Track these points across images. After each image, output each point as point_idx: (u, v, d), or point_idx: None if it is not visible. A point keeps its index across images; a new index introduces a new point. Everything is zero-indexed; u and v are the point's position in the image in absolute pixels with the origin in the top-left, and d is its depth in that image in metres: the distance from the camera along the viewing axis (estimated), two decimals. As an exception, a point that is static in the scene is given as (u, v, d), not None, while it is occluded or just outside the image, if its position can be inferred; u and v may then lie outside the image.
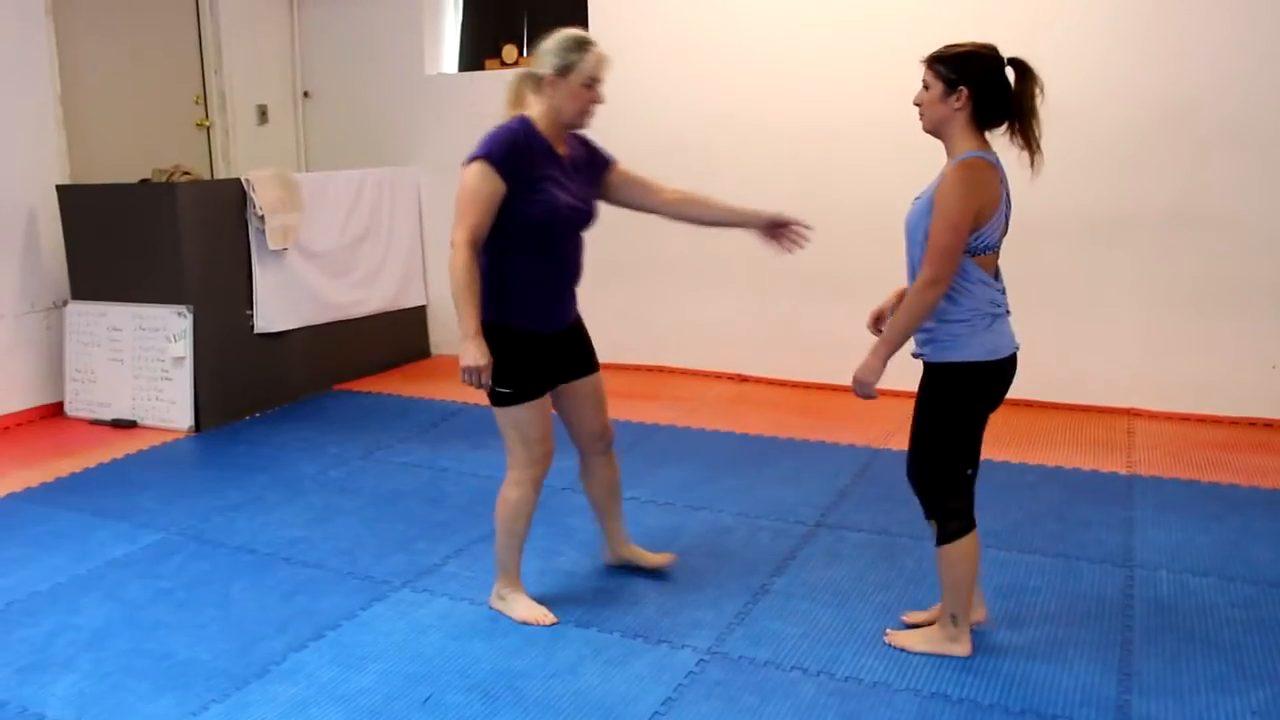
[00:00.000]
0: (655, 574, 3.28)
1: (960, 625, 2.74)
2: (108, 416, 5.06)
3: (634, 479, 3.97)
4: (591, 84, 2.81)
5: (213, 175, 6.16)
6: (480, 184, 2.72)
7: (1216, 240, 4.72)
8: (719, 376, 5.80)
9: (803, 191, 5.37)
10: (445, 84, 6.38)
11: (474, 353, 2.73)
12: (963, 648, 2.74)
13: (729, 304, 5.71)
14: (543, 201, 2.79)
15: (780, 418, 5.02)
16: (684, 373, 5.90)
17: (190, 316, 4.90)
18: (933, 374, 2.75)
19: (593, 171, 3.00)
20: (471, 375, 2.74)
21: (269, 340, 5.31)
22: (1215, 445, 4.48)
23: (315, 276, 5.61)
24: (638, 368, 5.99)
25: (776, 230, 3.05)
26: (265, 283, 5.27)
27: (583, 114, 2.86)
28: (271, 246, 5.21)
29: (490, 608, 3.07)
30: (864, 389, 2.72)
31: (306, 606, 3.14)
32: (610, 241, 6.07)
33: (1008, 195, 2.64)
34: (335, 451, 4.60)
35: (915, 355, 2.77)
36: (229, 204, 5.05)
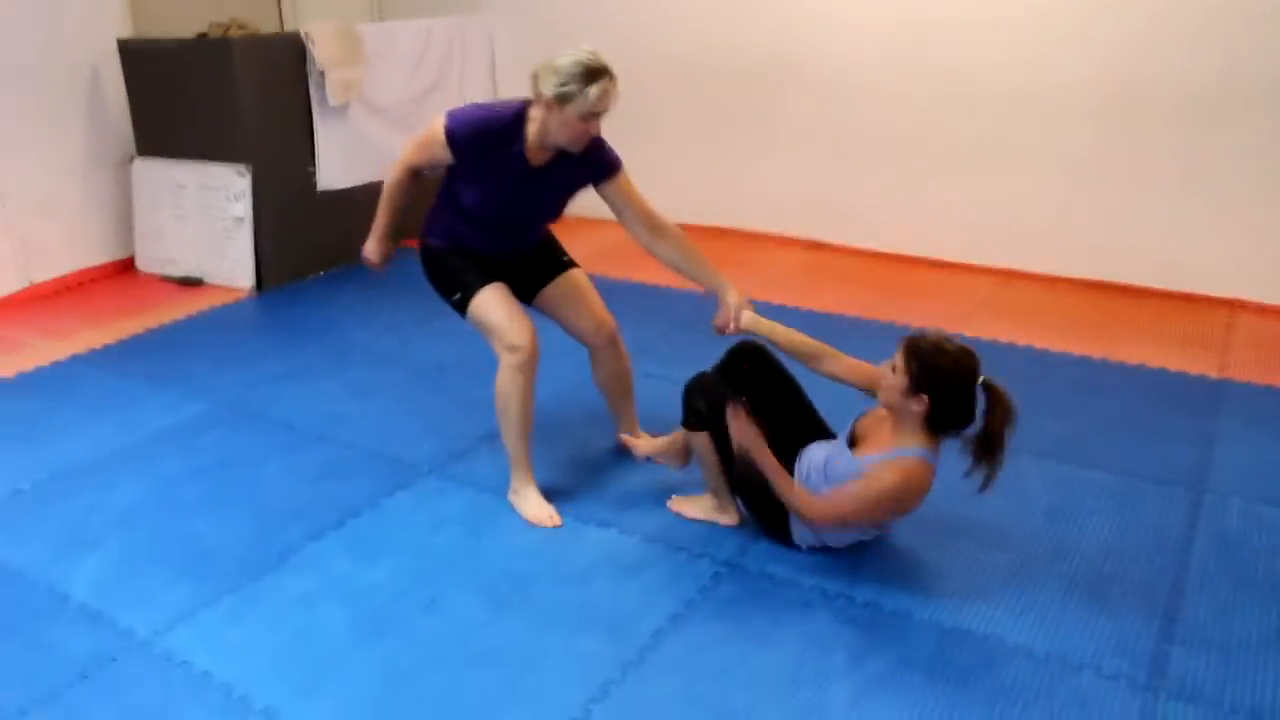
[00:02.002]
0: (690, 469, 3.16)
1: (722, 497, 2.87)
2: (175, 274, 5.11)
3: (682, 358, 3.82)
4: (589, 118, 2.62)
5: (281, 26, 5.98)
6: (432, 144, 2.75)
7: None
8: (795, 243, 5.52)
9: (894, 55, 4.94)
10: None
11: (370, 247, 3.07)
12: (729, 517, 2.89)
13: (808, 167, 5.37)
14: (475, 195, 2.79)
15: (853, 293, 4.75)
16: (759, 237, 5.63)
17: (249, 175, 4.83)
18: None
19: (582, 175, 2.82)
20: (367, 264, 3.10)
21: (333, 198, 5.23)
22: (1329, 344, 4.07)
23: (381, 131, 5.46)
24: (713, 230, 5.74)
25: (721, 310, 2.82)
26: (327, 139, 5.15)
27: (573, 143, 2.69)
28: (332, 102, 5.06)
29: (508, 501, 3.02)
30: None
31: (332, 491, 3.13)
32: (690, 98, 5.78)
33: None
34: (388, 318, 4.55)
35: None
36: (287, 59, 4.89)
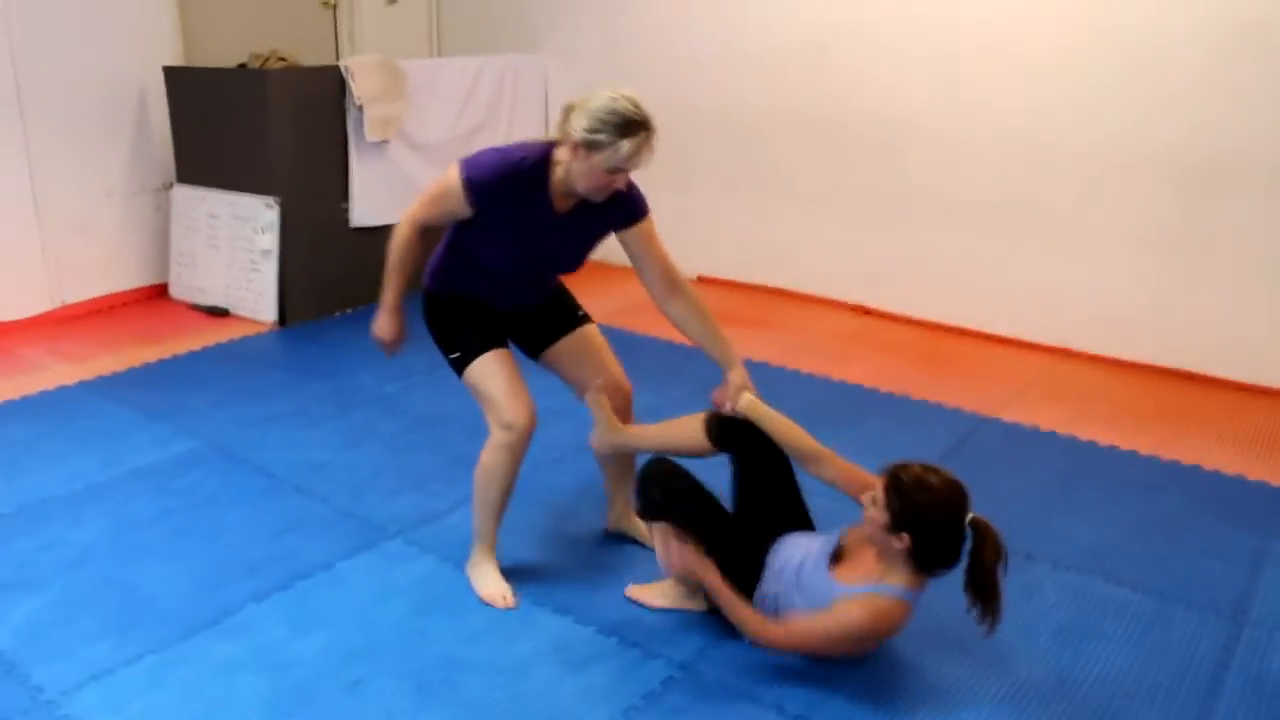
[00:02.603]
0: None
1: (689, 582, 2.62)
2: (204, 303, 5.08)
3: None
4: (616, 172, 2.37)
5: (337, 56, 5.98)
6: (447, 196, 2.50)
7: None
8: (841, 306, 5.24)
9: (952, 116, 4.66)
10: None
11: (381, 324, 2.74)
12: (698, 603, 2.64)
13: (858, 227, 5.09)
14: (493, 247, 2.58)
15: (891, 364, 4.45)
16: (803, 298, 5.36)
17: (277, 208, 4.78)
18: None
19: (608, 220, 2.57)
20: (379, 345, 2.76)
21: (365, 235, 5.15)
22: None
23: (420, 169, 5.37)
24: (755, 288, 5.49)
25: (722, 387, 2.63)
26: (363, 175, 5.08)
27: (594, 193, 2.44)
28: (370, 138, 4.99)
29: (467, 575, 2.82)
30: None
31: (291, 548, 2.97)
32: (740, 148, 5.58)
33: None
34: (400, 363, 4.37)
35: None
36: (325, 92, 4.84)
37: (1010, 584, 2.71)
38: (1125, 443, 3.67)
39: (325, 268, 5.00)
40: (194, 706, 2.32)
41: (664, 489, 2.50)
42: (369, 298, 5.12)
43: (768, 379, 4.31)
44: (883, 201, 4.96)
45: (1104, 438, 3.71)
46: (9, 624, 2.62)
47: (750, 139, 5.34)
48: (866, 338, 4.83)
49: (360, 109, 4.90)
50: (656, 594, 2.70)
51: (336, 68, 4.86)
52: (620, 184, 2.42)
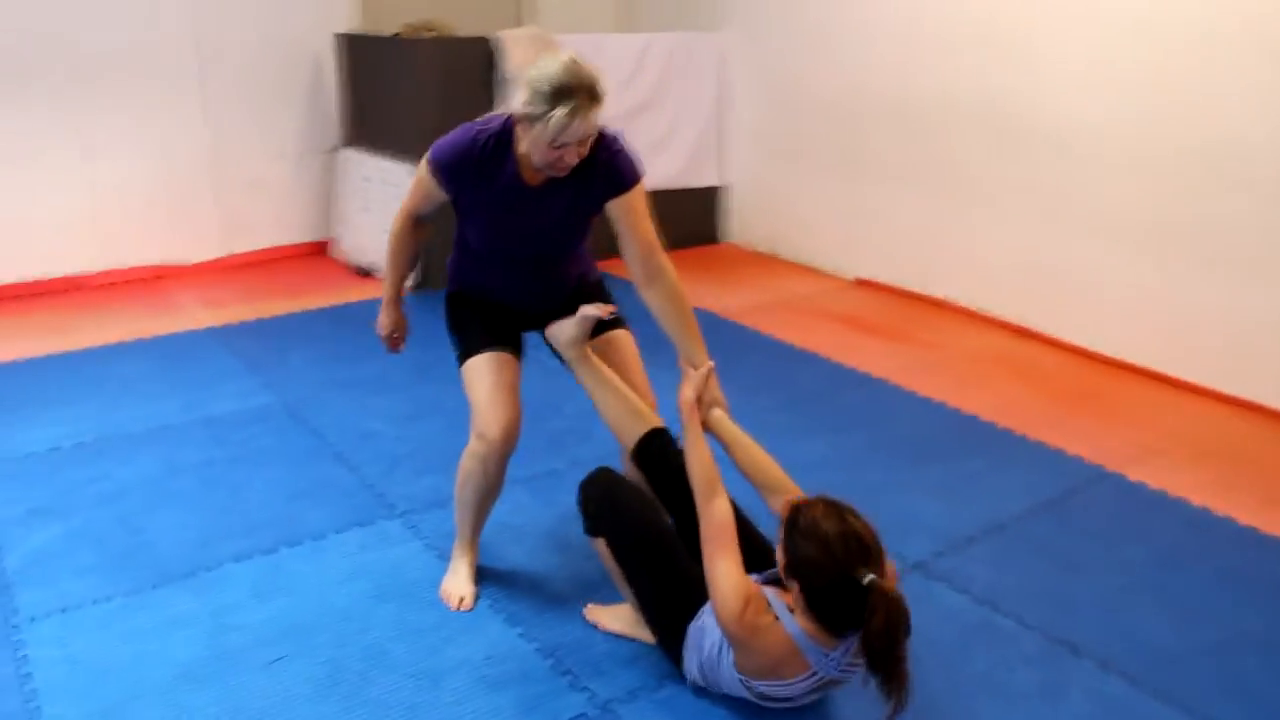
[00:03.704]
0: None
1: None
2: (354, 262, 5.27)
3: (775, 439, 3.33)
4: (560, 146, 2.16)
5: (519, 25, 6.01)
6: (423, 179, 2.41)
7: None
8: (994, 324, 4.68)
9: (1150, 122, 3.99)
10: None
11: (380, 318, 2.68)
12: (650, 633, 2.35)
13: (1028, 238, 4.50)
14: (476, 228, 2.45)
15: (1023, 396, 3.91)
16: (958, 312, 4.83)
17: (419, 176, 4.86)
18: None
19: (593, 190, 2.35)
20: (381, 340, 2.72)
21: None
22: None
23: (578, 146, 5.31)
24: (912, 297, 5.02)
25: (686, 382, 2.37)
26: (514, 148, 5.08)
27: (552, 168, 2.24)
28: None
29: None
30: None
31: (297, 513, 3.00)
32: (912, 145, 5.09)
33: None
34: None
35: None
36: (473, 63, 4.86)
37: (1032, 677, 2.34)
38: (1269, 526, 3.01)
39: (465, 238, 5.05)
40: (124, 655, 2.37)
41: (601, 503, 2.30)
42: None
43: (867, 397, 3.96)
44: (1058, 212, 4.35)
45: (1244, 516, 3.06)
46: (24, 547, 2.80)
47: (926, 132, 4.85)
48: (1010, 362, 4.27)
49: (509, 81, 4.89)
50: (611, 617, 2.49)
51: (485, 39, 4.87)
52: (572, 159, 2.20)
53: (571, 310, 2.51)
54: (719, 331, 4.59)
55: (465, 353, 2.53)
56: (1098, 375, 4.13)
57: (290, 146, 5.32)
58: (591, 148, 2.27)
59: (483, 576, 2.70)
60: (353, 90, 5.24)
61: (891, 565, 1.99)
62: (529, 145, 2.20)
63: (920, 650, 2.35)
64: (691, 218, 5.94)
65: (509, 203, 2.36)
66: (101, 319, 4.56)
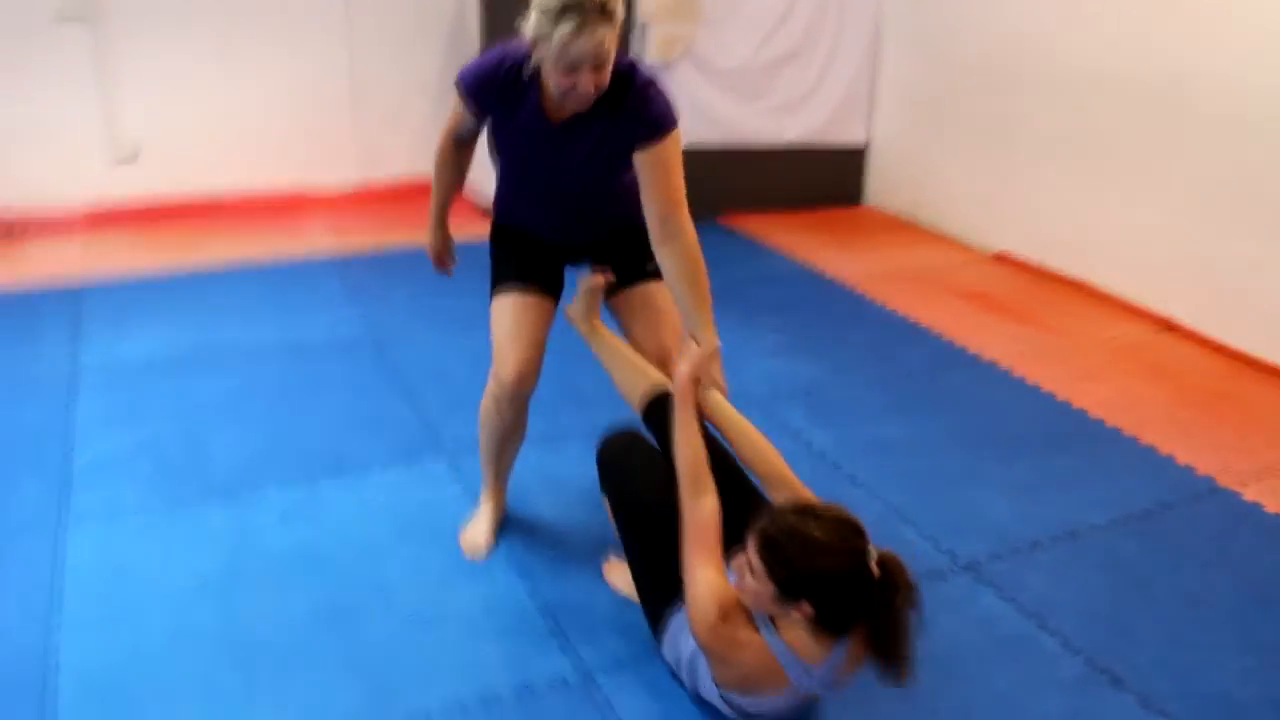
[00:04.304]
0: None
1: None
2: (481, 203, 5.30)
3: (850, 417, 3.18)
4: (570, 69, 2.02)
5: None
6: (456, 103, 2.34)
7: None
8: (1139, 314, 4.24)
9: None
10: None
11: (426, 239, 2.67)
12: None
13: (1187, 224, 4.04)
14: (503, 155, 2.39)
15: (1149, 395, 3.53)
16: (1100, 297, 4.40)
17: (543, 119, 4.82)
18: None
19: (620, 135, 2.19)
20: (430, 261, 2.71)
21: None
22: None
23: (712, 95, 5.14)
24: (1053, 277, 4.62)
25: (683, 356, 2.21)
26: (645, 95, 4.96)
27: (566, 97, 2.09)
28: (651, 59, 4.84)
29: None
30: None
31: (349, 446, 3.04)
32: (1053, 109, 4.64)
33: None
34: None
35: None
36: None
37: (1058, 706, 2.14)
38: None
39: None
40: (150, 563, 2.47)
41: (610, 465, 2.27)
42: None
43: (971, 379, 3.69)
44: (1223, 196, 3.87)
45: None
46: (94, 450, 2.96)
47: (1085, 100, 4.40)
48: (1142, 355, 3.86)
49: (644, 28, 4.77)
50: (621, 580, 2.41)
51: (622, -19, 4.74)
52: (587, 86, 2.05)
53: (615, 249, 2.44)
54: (828, 297, 4.38)
55: (493, 290, 2.48)
56: (1239, 378, 3.69)
57: (431, 85, 5.39)
58: (621, 88, 2.14)
59: (510, 526, 2.67)
60: (492, 28, 5.24)
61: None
62: (546, 74, 2.09)
63: (940, 657, 2.19)
64: (831, 178, 5.67)
65: (529, 138, 2.26)
66: (232, 240, 4.77)
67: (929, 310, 4.22)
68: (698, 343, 2.19)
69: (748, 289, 4.43)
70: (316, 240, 4.81)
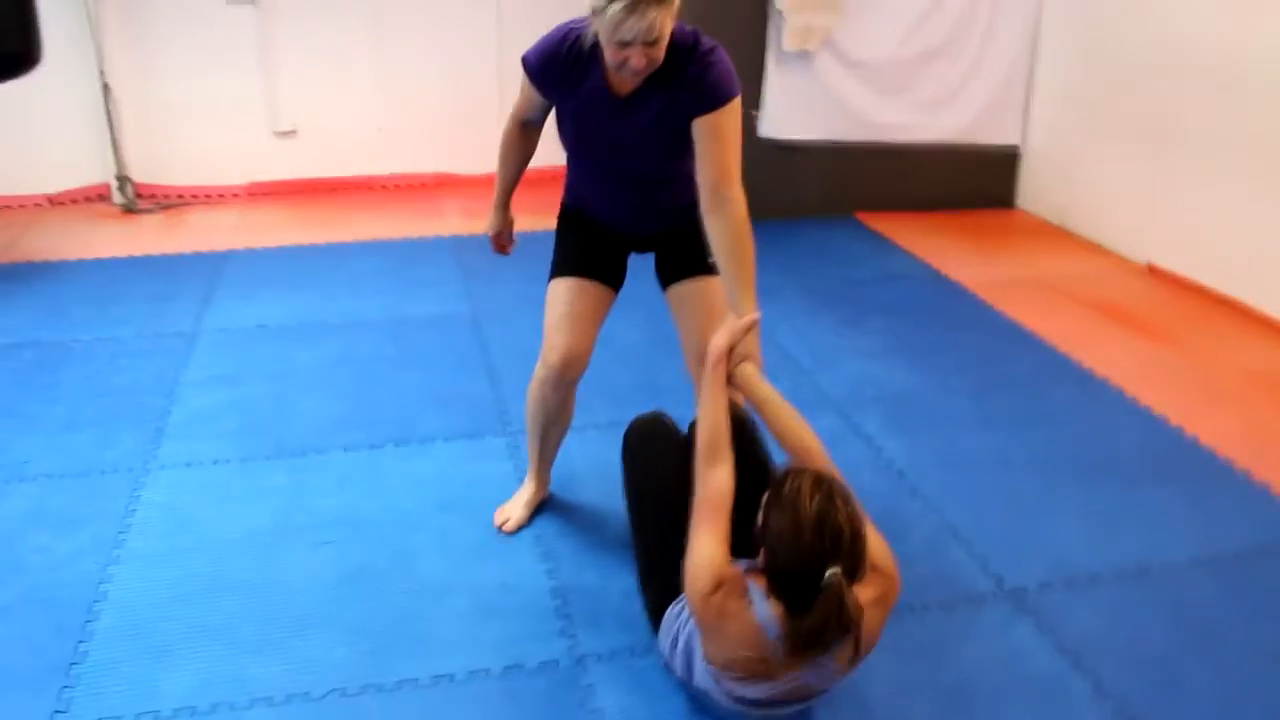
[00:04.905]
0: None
1: None
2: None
3: (935, 425, 3.05)
4: (621, 46, 2.03)
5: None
6: (524, 84, 2.38)
7: None
8: (1273, 326, 3.83)
9: None
10: None
11: (488, 220, 2.76)
12: None
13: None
14: (568, 134, 2.37)
15: (1276, 425, 3.20)
16: (1257, 320, 4.00)
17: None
18: None
19: (680, 105, 2.17)
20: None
21: (776, 147, 4.95)
22: None
23: (852, 88, 4.98)
24: (1196, 290, 4.25)
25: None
26: (779, 85, 4.86)
27: (621, 71, 2.11)
28: (786, 47, 4.74)
29: (522, 485, 2.77)
30: None
31: (421, 417, 3.15)
32: (1219, 113, 4.24)
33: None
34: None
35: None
36: (752, -4, 4.70)
37: None
38: None
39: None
40: (209, 513, 2.65)
41: (628, 448, 2.33)
42: (780, 212, 4.98)
43: (1075, 396, 3.47)
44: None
45: None
46: (190, 406, 3.19)
47: (1256, 104, 4.00)
48: (1284, 381, 3.50)
49: (781, 16, 4.68)
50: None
51: (773, -39, 4.66)
52: (639, 61, 2.05)
53: (680, 240, 2.43)
54: (944, 302, 4.18)
55: (551, 273, 2.51)
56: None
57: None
58: (684, 59, 2.14)
59: (549, 509, 2.69)
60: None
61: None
62: (603, 43, 2.10)
63: (947, 688, 2.08)
64: (979, 180, 5.39)
65: (594, 109, 2.27)
66: (372, 218, 5.01)
67: (1051, 321, 3.95)
68: (737, 314, 2.14)
69: (861, 289, 4.29)
70: (447, 221, 4.99)
